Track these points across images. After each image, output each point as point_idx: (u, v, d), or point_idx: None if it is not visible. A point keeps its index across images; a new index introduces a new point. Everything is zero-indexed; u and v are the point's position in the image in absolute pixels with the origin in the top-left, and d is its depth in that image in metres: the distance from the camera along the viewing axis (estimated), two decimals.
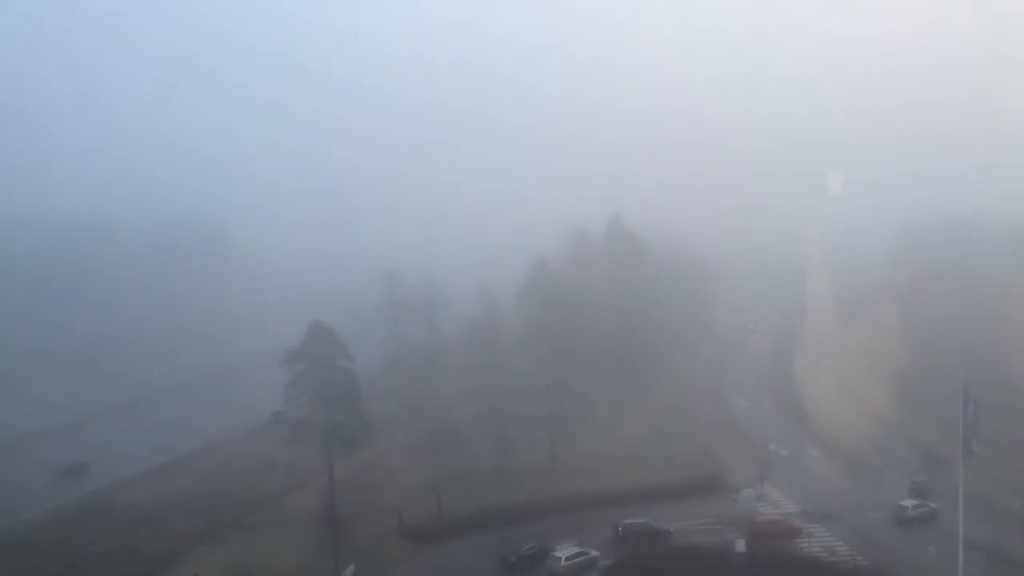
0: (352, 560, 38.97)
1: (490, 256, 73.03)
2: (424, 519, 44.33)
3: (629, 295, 61.49)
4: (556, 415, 51.90)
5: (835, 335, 58.17)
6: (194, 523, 43.67)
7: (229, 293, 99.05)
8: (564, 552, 40.27)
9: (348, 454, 44.30)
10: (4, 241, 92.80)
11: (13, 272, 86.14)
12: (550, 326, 52.55)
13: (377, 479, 48.93)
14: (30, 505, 46.58)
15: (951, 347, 60.62)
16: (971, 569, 32.75)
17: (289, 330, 44.11)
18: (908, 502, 44.88)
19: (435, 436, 51.65)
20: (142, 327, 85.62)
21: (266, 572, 39.40)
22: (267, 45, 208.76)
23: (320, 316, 43.31)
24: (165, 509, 45.01)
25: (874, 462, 51.88)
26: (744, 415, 62.97)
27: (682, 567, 37.58)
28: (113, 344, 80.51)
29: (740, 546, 39.61)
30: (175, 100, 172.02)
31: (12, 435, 57.74)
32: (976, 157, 75.78)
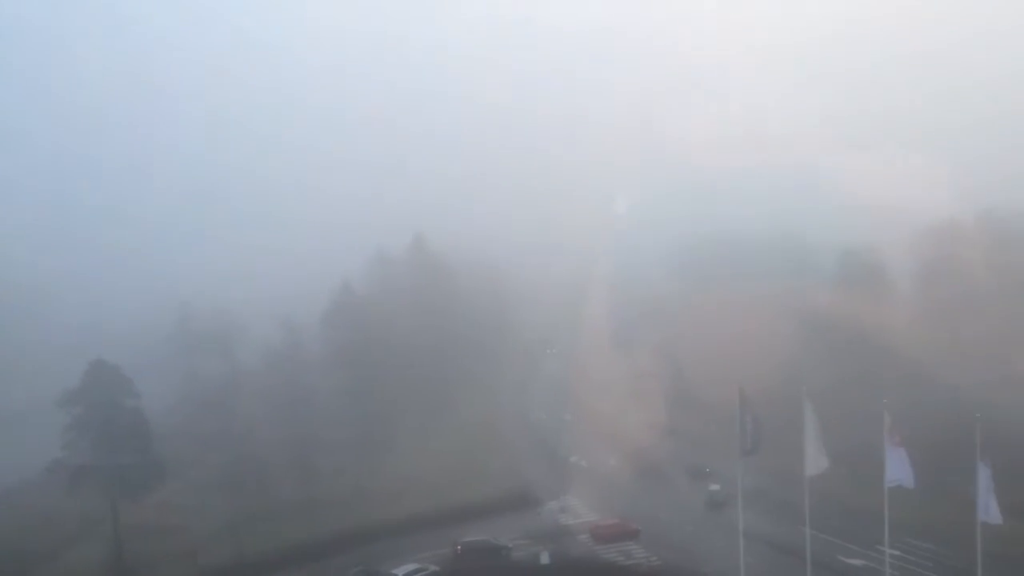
0: None
1: (296, 283, 71.47)
2: (224, 561, 42.13)
3: (434, 315, 62.17)
4: (363, 440, 51.52)
5: (626, 350, 61.50)
6: None
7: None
8: (403, 570, 40.00)
9: (138, 498, 42.00)
10: None
11: None
12: (353, 349, 52.19)
13: (170, 523, 45.93)
14: None
15: (733, 356, 65.31)
16: (750, 559, 35.27)
17: (74, 368, 41.40)
18: (716, 486, 49.50)
19: (234, 471, 49.75)
20: None
21: None
22: None
23: (106, 351, 40.95)
24: None
25: (667, 468, 54.62)
26: (547, 430, 65.22)
27: None
28: None
29: (544, 558, 41.29)
30: None
31: None
32: (754, 176, 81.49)
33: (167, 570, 41.28)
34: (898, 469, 34.08)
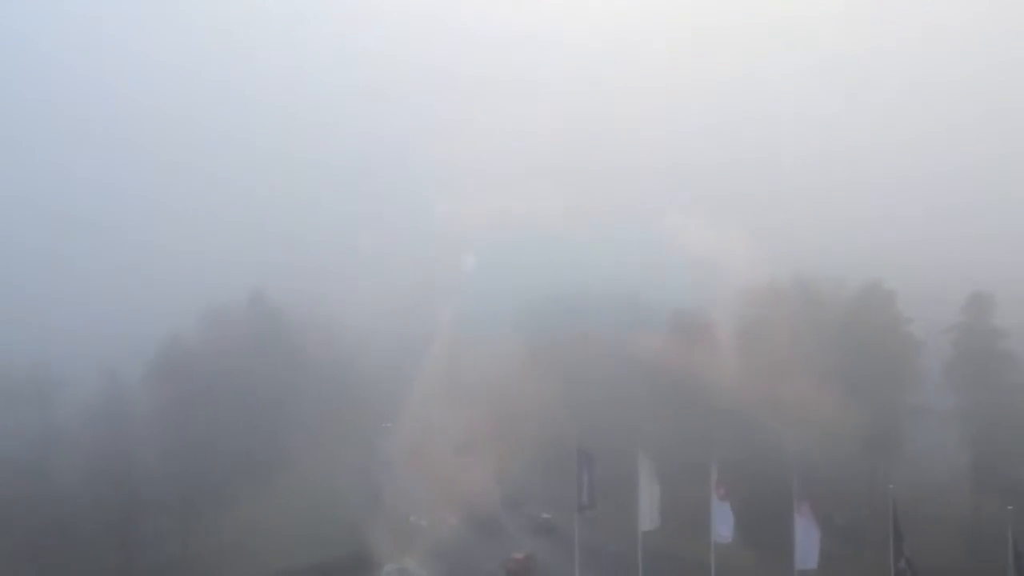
0: None
1: (123, 338, 67.94)
2: None
3: (271, 371, 60.68)
4: (189, 501, 49.07)
5: (467, 407, 61.88)
6: None
7: None
8: None
9: None
10: None
11: None
12: (181, 406, 49.92)
13: None
14: None
15: (576, 411, 66.98)
16: None
17: None
18: (547, 515, 52.99)
19: (42, 538, 46.16)
20: None
21: None
22: None
23: None
24: None
25: (505, 522, 55.44)
26: (387, 489, 64.37)
27: None
28: None
29: None
30: None
31: None
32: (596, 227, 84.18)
33: None
34: (723, 524, 35.76)
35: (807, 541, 33.87)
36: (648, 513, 38.36)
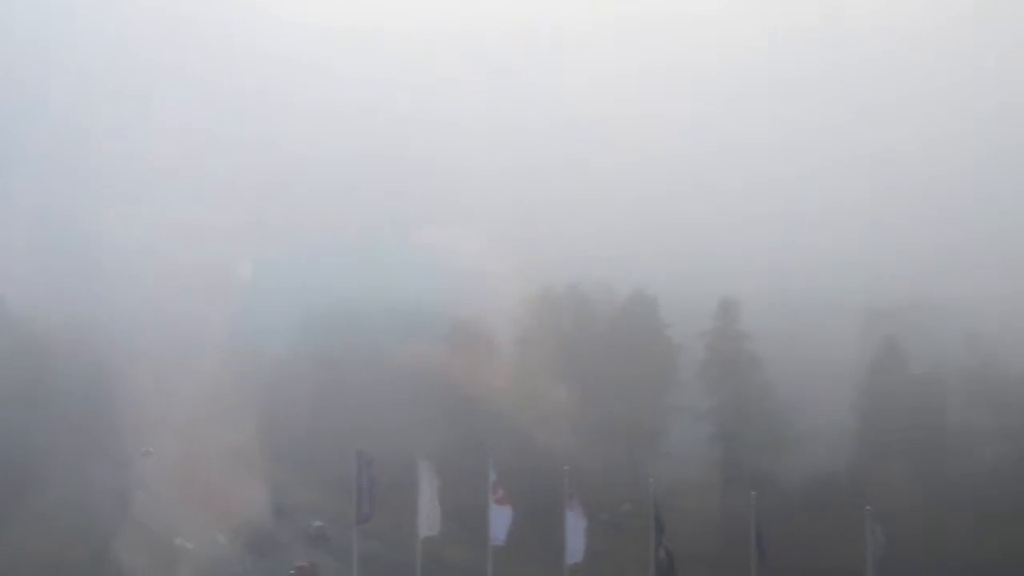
0: None
1: None
2: None
3: (15, 387, 55.75)
4: None
5: (238, 421, 59.93)
6: None
7: None
8: None
9: None
10: None
11: None
12: None
13: None
14: None
15: (354, 419, 66.71)
16: None
17: None
18: (319, 523, 52.16)
19: None
20: None
21: None
22: None
23: None
24: None
25: (276, 534, 53.80)
26: (151, 511, 60.77)
27: None
28: None
29: None
30: None
31: None
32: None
33: None
34: (500, 526, 36.62)
35: (576, 536, 35.39)
36: (427, 520, 38.57)
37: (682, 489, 47.69)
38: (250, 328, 66.93)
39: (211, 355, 63.04)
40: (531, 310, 61.06)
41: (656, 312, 58.77)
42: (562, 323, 60.73)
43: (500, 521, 36.58)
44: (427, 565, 37.81)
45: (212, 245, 78.87)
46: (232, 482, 54.74)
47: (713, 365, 55.26)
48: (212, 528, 55.42)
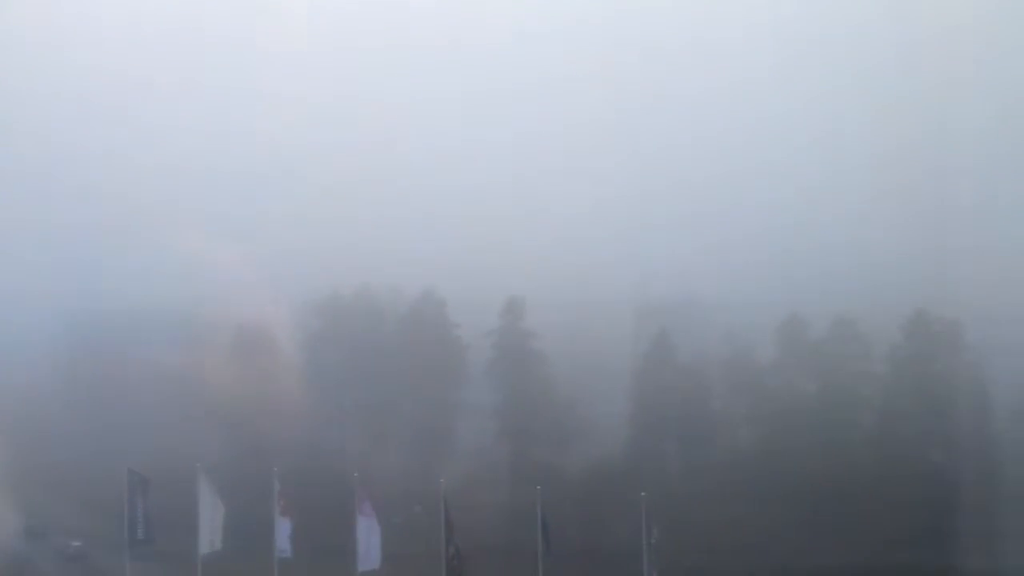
0: None
1: None
2: None
3: None
4: None
5: None
6: None
7: None
8: None
9: None
10: None
11: None
12: None
13: None
14: None
15: (123, 434, 62.86)
16: None
17: None
18: (77, 543, 49.18)
19: None
20: None
21: None
22: None
23: None
24: None
25: (29, 555, 49.93)
26: None
27: None
28: None
29: None
30: None
31: None
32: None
33: None
34: (286, 537, 35.71)
35: (369, 542, 35.14)
36: (208, 536, 36.97)
37: (473, 486, 48.52)
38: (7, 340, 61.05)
39: None
40: (318, 313, 60.14)
41: (445, 312, 59.45)
42: (350, 326, 60.30)
43: (285, 532, 35.76)
44: None
45: None
46: None
47: (500, 363, 56.85)
48: None
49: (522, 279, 62.76)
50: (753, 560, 42.92)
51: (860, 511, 44.55)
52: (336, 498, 40.38)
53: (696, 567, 40.89)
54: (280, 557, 35.88)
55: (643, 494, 33.34)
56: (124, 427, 56.40)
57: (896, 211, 58.12)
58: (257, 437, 51.30)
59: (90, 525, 49.61)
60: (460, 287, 63.32)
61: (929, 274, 51.48)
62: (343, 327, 60.46)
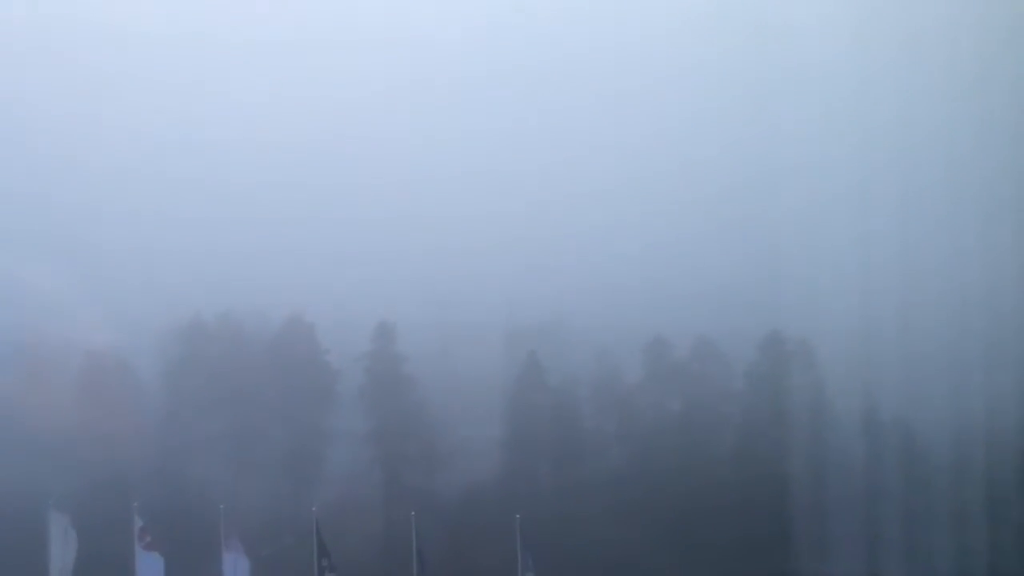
0: None
1: None
2: None
3: None
4: None
5: None
6: None
7: None
8: None
9: None
10: None
11: None
12: None
13: None
14: None
15: None
16: None
17: None
18: None
19: None
20: None
21: None
22: None
23: None
24: None
25: None
26: None
27: None
28: None
29: None
30: None
31: None
32: None
33: None
34: (149, 573, 34.08)
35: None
36: (60, 574, 34.94)
37: (346, 513, 47.81)
38: None
39: None
40: (179, 340, 57.73)
41: (314, 337, 58.41)
42: (214, 352, 58.16)
43: (151, 568, 34.12)
44: None
45: None
46: None
47: (371, 387, 56.27)
48: None
49: (391, 302, 62.55)
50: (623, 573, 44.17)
51: (723, 523, 46.73)
52: (201, 531, 39.04)
53: None
54: None
55: (517, 516, 33.68)
56: None
57: (751, 235, 61.27)
58: (113, 470, 48.91)
59: None
60: (327, 311, 62.58)
61: (783, 295, 54.53)
62: (206, 353, 58.52)
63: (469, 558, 44.23)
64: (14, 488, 44.93)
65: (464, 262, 69.34)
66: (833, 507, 44.41)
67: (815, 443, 48.18)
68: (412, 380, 56.87)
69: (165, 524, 39.87)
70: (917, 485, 46.07)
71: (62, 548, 36.39)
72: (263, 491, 50.60)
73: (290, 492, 52.33)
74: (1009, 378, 48.70)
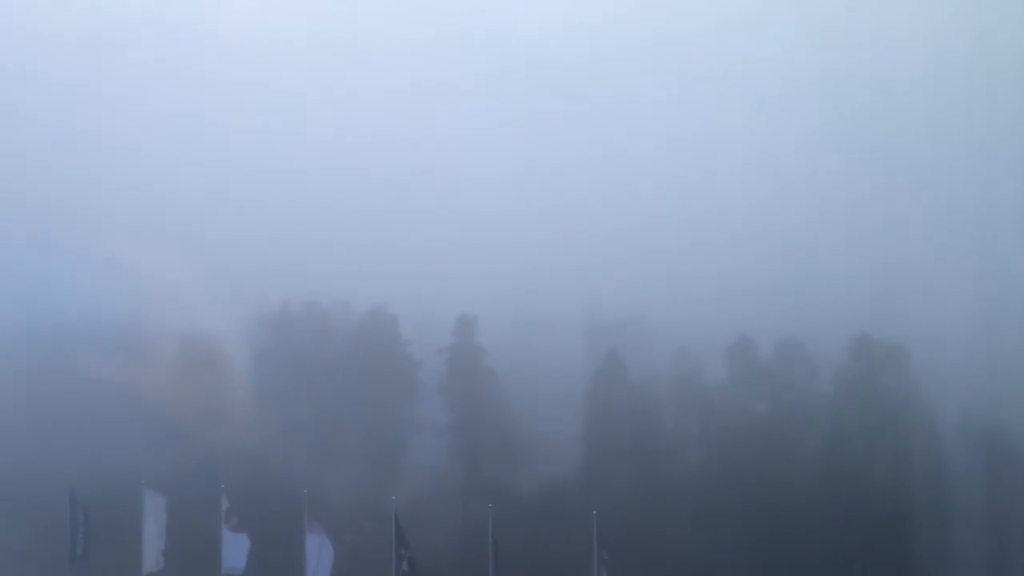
0: None
1: None
2: None
3: None
4: None
5: None
6: None
7: None
8: None
9: None
10: None
11: None
12: None
13: None
14: None
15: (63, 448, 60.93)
16: None
17: None
18: None
19: None
20: None
21: None
22: None
23: None
24: None
25: None
26: None
27: None
28: None
29: None
30: None
31: None
32: None
33: None
34: (234, 555, 35.12)
35: (320, 562, 34.85)
36: (152, 554, 36.25)
37: (424, 503, 48.46)
38: None
39: None
40: (267, 328, 59.25)
41: (396, 329, 59.25)
42: (299, 341, 59.58)
43: (237, 549, 35.19)
44: None
45: None
46: None
47: (451, 380, 56.74)
48: None
49: (472, 295, 62.99)
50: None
51: (805, 530, 45.71)
52: (285, 515, 40.07)
53: None
54: (229, 574, 35.29)
55: (594, 512, 33.59)
56: (64, 441, 55.12)
57: (841, 233, 59.73)
58: (203, 452, 50.65)
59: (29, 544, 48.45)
60: (410, 303, 63.39)
61: (875, 297, 53.00)
62: (292, 341, 59.99)
63: (545, 552, 44.28)
64: (113, 468, 47.13)
65: (545, 256, 69.49)
66: (921, 517, 43.04)
67: (903, 450, 46.84)
68: (492, 373, 57.24)
69: (251, 507, 41.26)
70: (1008, 492, 44.51)
71: (155, 526, 37.83)
72: (345, 478, 51.74)
73: (371, 481, 53.50)
74: None
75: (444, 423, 56.70)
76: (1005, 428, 47.91)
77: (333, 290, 65.79)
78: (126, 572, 38.30)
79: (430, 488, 52.84)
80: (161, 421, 56.96)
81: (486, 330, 59.23)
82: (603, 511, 35.51)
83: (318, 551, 35.80)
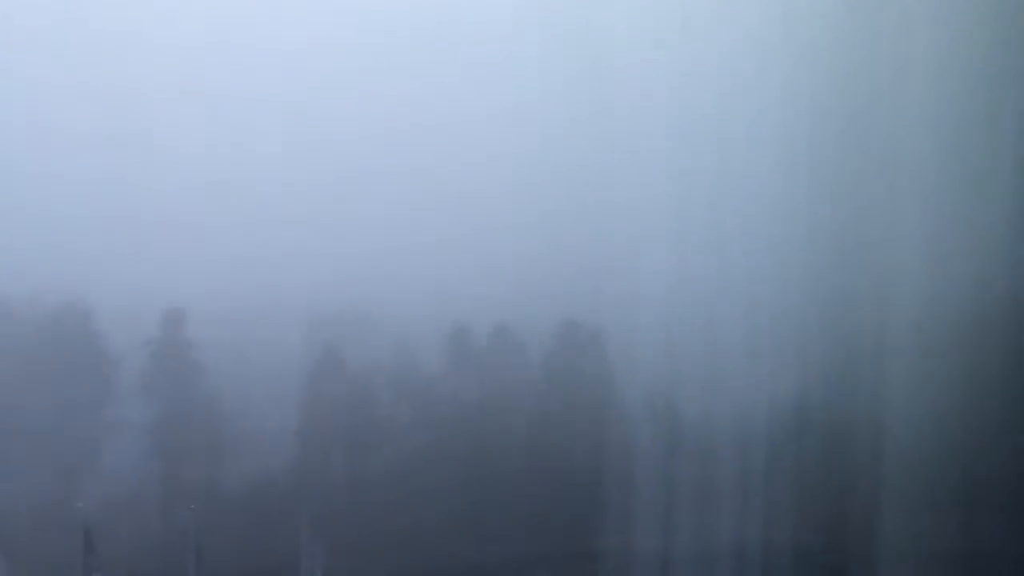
0: None
1: None
2: None
3: None
4: None
5: None
6: None
7: None
8: None
9: None
10: None
11: None
12: None
13: None
14: None
15: None
16: None
17: None
18: None
19: None
20: None
21: None
22: None
23: None
24: None
25: None
26: None
27: None
28: None
29: None
30: None
31: None
32: None
33: None
34: None
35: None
36: None
37: (120, 509, 44.31)
38: None
39: None
40: None
41: (90, 322, 53.50)
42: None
43: None
44: None
45: None
46: None
47: (156, 376, 52.39)
48: None
49: (183, 288, 58.48)
50: (418, 562, 43.61)
51: (512, 498, 46.83)
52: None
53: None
54: None
55: (303, 508, 32.54)
56: None
57: (550, 226, 61.69)
58: None
59: None
60: (112, 296, 57.82)
61: (579, 286, 55.18)
62: None
63: (252, 551, 42.24)
64: None
65: (258, 244, 65.90)
66: (607, 485, 45.45)
67: (598, 428, 49.19)
68: (201, 368, 53.69)
69: None
70: (675, 461, 47.86)
71: None
72: (25, 484, 46.09)
73: (57, 487, 48.18)
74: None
75: (146, 422, 52.58)
76: (677, 405, 51.72)
77: (23, 283, 58.95)
78: None
79: (126, 492, 48.71)
80: None
81: (197, 323, 55.72)
82: (319, 506, 34.23)
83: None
